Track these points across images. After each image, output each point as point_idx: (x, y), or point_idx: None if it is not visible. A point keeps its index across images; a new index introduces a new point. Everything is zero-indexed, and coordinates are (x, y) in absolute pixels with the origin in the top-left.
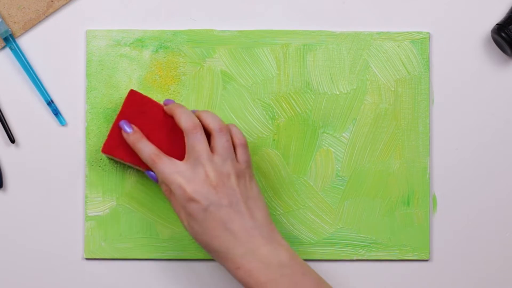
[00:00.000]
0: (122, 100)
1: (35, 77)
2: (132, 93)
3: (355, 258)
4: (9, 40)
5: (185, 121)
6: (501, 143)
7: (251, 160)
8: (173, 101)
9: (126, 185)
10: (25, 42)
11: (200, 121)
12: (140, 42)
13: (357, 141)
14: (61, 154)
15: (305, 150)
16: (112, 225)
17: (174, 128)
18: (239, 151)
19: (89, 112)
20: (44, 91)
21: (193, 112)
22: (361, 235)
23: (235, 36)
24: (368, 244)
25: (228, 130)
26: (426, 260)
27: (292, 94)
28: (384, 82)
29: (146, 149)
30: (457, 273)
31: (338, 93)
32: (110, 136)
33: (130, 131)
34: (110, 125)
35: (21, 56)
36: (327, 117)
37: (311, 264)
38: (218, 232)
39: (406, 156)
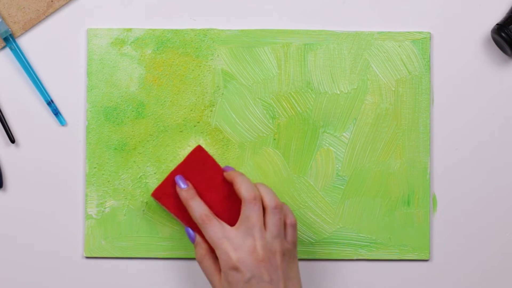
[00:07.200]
0: (122, 99)
1: (35, 77)
2: (198, 149)
3: (355, 258)
4: (9, 40)
5: (246, 190)
6: (501, 143)
7: (297, 239)
8: (233, 169)
9: (126, 184)
10: (25, 42)
11: None
12: (140, 41)
13: (358, 141)
14: (61, 154)
15: (306, 149)
16: (112, 224)
17: (229, 193)
18: (289, 231)
19: (90, 111)
20: (44, 91)
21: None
22: (361, 235)
23: (236, 35)
24: (368, 244)
25: (282, 208)
26: (426, 260)
27: (292, 93)
28: (385, 82)
29: (199, 208)
30: (457, 273)
31: (338, 92)
32: (164, 183)
33: (184, 187)
34: (110, 124)
35: (21, 56)
36: (328, 116)
37: (311, 263)
38: None
39: (406, 156)
